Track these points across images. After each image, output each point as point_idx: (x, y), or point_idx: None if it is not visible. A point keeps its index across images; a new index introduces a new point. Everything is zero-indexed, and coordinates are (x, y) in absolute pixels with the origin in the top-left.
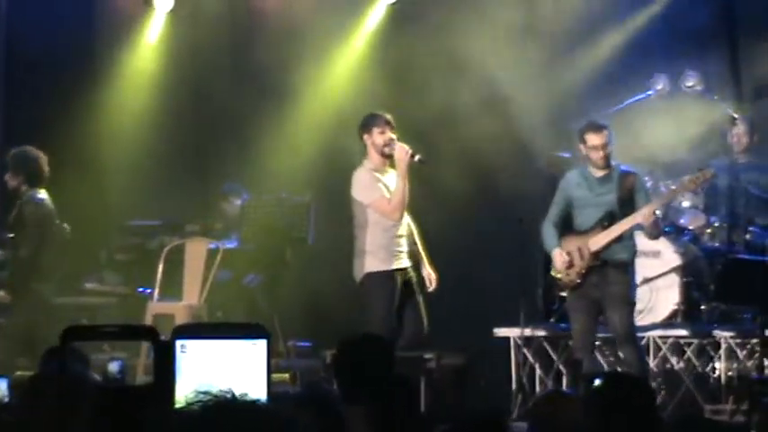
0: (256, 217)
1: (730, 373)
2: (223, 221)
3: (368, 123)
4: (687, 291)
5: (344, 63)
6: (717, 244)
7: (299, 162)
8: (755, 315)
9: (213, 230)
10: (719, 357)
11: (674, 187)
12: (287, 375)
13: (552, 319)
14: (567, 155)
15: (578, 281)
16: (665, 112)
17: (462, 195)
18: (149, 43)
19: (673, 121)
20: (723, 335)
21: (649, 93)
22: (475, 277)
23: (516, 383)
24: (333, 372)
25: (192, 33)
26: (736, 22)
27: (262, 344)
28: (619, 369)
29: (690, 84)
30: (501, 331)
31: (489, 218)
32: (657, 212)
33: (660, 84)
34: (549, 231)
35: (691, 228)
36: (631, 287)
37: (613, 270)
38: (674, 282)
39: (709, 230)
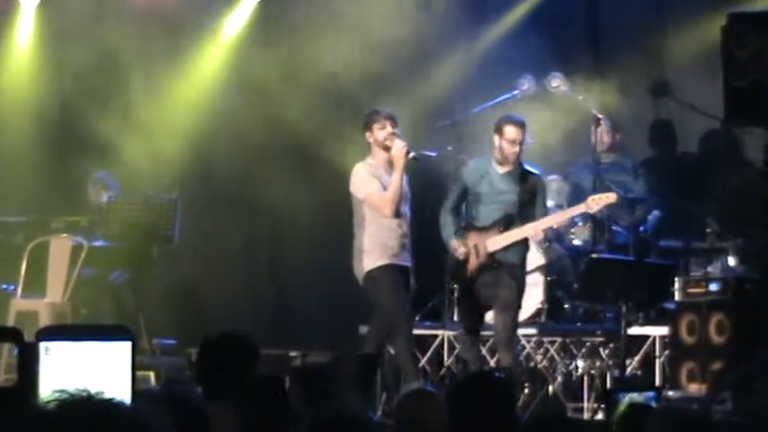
0: (122, 214)
1: (592, 372)
2: (88, 211)
3: (368, 121)
4: (551, 289)
5: (211, 61)
6: (580, 243)
7: (165, 158)
8: (618, 314)
9: (78, 227)
10: (582, 356)
11: (575, 207)
12: (151, 373)
13: (417, 318)
14: (433, 153)
15: (469, 277)
16: (531, 112)
17: (330, 193)
18: (14, 38)
19: (539, 121)
20: (585, 333)
21: (515, 93)
22: (342, 275)
23: (381, 381)
24: (196, 370)
25: (58, 27)
26: (601, 23)
27: (126, 346)
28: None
29: (555, 84)
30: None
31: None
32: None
33: (526, 84)
34: (447, 221)
35: (555, 227)
36: (519, 290)
37: (506, 273)
38: (537, 280)
39: (573, 230)
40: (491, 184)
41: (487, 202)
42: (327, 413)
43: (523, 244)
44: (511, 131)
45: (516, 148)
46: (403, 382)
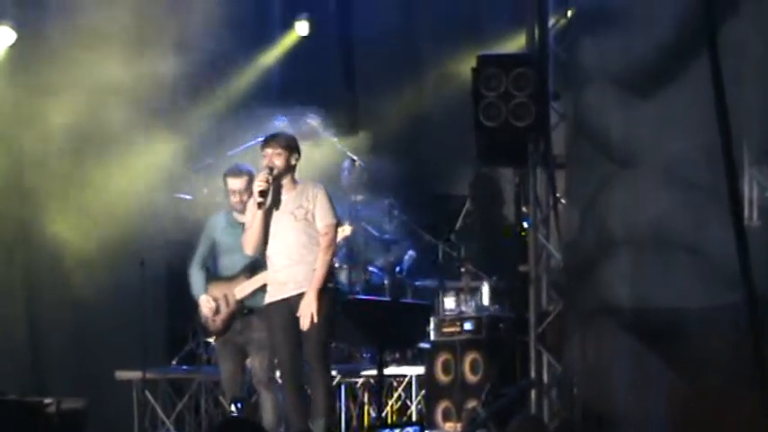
0: None
1: (351, 412)
2: None
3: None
4: None
5: None
6: (337, 285)
7: None
8: (374, 354)
9: None
10: (340, 396)
11: None
12: None
13: (174, 362)
14: (188, 197)
15: (222, 327)
16: None
17: (87, 235)
18: None
19: None
20: (343, 374)
21: None
22: (96, 321)
23: (138, 427)
24: None
25: None
26: (355, 67)
27: None
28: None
29: (310, 125)
30: (123, 375)
31: (113, 261)
32: None
33: (280, 126)
34: (195, 275)
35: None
36: None
37: (257, 317)
38: None
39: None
40: (235, 234)
41: (233, 251)
42: None
43: None
44: (231, 183)
45: (238, 197)
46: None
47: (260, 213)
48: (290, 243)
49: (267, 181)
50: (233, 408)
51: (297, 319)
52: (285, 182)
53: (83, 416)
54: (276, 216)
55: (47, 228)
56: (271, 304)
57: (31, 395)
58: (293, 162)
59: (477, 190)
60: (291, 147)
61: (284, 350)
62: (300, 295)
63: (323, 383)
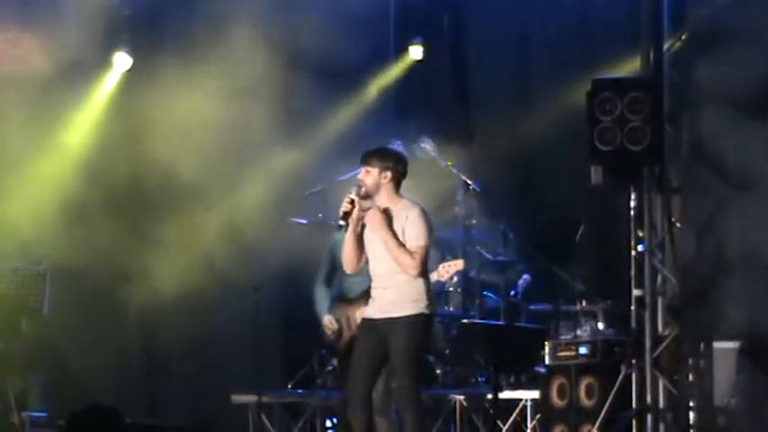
0: None
1: None
2: None
3: None
4: None
5: (83, 126)
6: (452, 309)
7: (36, 228)
8: (489, 378)
9: None
10: (455, 420)
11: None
12: None
13: (290, 386)
14: (304, 221)
15: (345, 349)
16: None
17: (201, 262)
18: None
19: (408, 187)
20: (456, 398)
21: None
22: (212, 345)
23: None
24: None
25: None
26: (469, 91)
27: None
28: None
29: (424, 150)
30: (238, 398)
31: (225, 286)
32: None
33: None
34: (320, 294)
35: None
36: None
37: None
38: None
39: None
40: None
41: (354, 273)
42: None
43: None
44: None
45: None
46: None
47: (349, 234)
48: (378, 266)
49: (351, 202)
50: (328, 423)
51: (380, 346)
52: (380, 200)
53: None
54: (369, 237)
55: (162, 255)
56: (363, 320)
57: (148, 418)
58: (384, 180)
59: (591, 214)
60: (383, 165)
61: (358, 373)
62: (387, 321)
63: (411, 414)
